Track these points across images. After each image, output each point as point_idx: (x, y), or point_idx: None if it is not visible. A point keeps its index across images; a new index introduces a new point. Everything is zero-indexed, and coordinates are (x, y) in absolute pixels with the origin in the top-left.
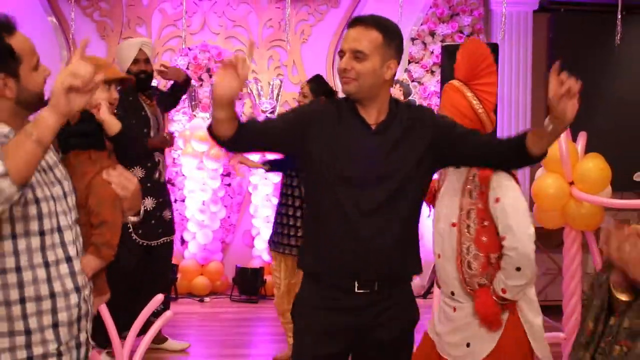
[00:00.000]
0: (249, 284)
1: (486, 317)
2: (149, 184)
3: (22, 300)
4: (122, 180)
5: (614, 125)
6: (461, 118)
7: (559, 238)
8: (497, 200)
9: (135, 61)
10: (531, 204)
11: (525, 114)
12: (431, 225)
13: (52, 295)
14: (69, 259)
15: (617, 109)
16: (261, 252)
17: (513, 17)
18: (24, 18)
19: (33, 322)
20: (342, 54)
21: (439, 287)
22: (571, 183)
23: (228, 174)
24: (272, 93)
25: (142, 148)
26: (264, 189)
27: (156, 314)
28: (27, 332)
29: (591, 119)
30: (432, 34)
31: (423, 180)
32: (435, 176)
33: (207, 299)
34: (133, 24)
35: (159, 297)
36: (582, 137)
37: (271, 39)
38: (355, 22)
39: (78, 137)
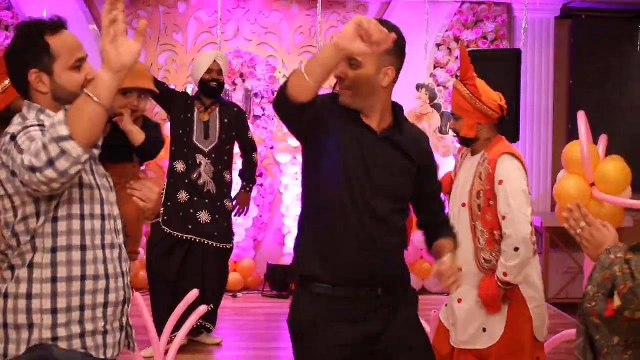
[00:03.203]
0: (280, 281)
1: (487, 299)
2: (186, 180)
3: (83, 278)
4: (146, 192)
5: (634, 128)
6: (460, 110)
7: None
8: (500, 182)
9: (209, 70)
10: (553, 204)
11: (547, 119)
12: None
13: (107, 276)
14: (120, 246)
15: (638, 113)
16: (292, 249)
17: (535, 23)
18: (67, 26)
19: (88, 299)
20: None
21: None
22: (592, 184)
23: (260, 175)
24: None
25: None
26: (294, 189)
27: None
28: (82, 308)
29: (612, 123)
30: (457, 40)
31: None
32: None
33: (239, 295)
34: (170, 31)
35: (194, 292)
36: (603, 140)
37: (302, 45)
38: None
39: (110, 150)
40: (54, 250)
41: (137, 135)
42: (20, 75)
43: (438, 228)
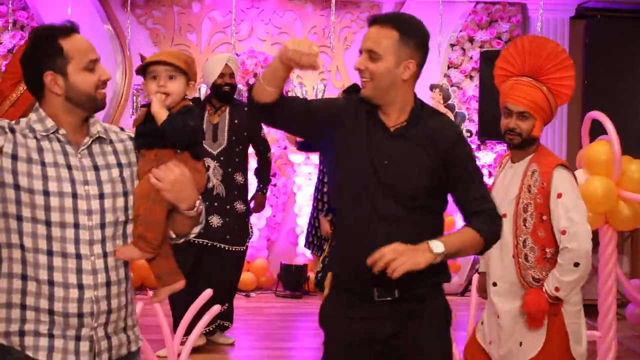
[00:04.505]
0: (293, 280)
1: (534, 313)
2: None
3: (24, 277)
4: (163, 171)
5: None
6: (538, 111)
7: (594, 239)
8: (559, 195)
9: (222, 75)
10: None
11: (562, 119)
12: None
13: (51, 283)
14: (78, 256)
15: None
16: (305, 249)
17: (550, 23)
18: (82, 26)
19: (30, 300)
20: (360, 53)
21: (481, 294)
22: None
23: (274, 175)
24: (316, 97)
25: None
26: (307, 189)
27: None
28: (23, 307)
29: (627, 123)
30: (471, 40)
31: (441, 185)
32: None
33: (252, 294)
34: (184, 31)
35: (208, 292)
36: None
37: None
38: (373, 21)
39: (142, 137)
40: None
41: (159, 116)
42: (36, 77)
43: (469, 218)
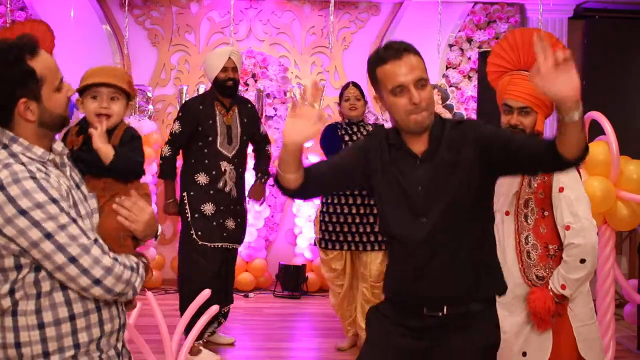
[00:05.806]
0: (291, 281)
1: (539, 312)
2: (211, 191)
3: (72, 317)
4: (135, 212)
5: None
6: (539, 105)
7: None
8: (561, 189)
9: (224, 69)
10: None
11: None
12: None
13: (98, 308)
14: None
15: None
16: (303, 250)
17: (549, 23)
18: (80, 26)
19: (83, 337)
20: (399, 89)
21: None
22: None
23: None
24: None
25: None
26: None
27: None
28: (77, 346)
29: (625, 123)
30: (470, 40)
31: (482, 195)
32: None
33: (251, 295)
34: (182, 31)
35: (206, 292)
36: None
37: (314, 45)
38: (399, 52)
39: (86, 165)
40: (38, 296)
41: (106, 154)
42: (4, 106)
43: (546, 146)
